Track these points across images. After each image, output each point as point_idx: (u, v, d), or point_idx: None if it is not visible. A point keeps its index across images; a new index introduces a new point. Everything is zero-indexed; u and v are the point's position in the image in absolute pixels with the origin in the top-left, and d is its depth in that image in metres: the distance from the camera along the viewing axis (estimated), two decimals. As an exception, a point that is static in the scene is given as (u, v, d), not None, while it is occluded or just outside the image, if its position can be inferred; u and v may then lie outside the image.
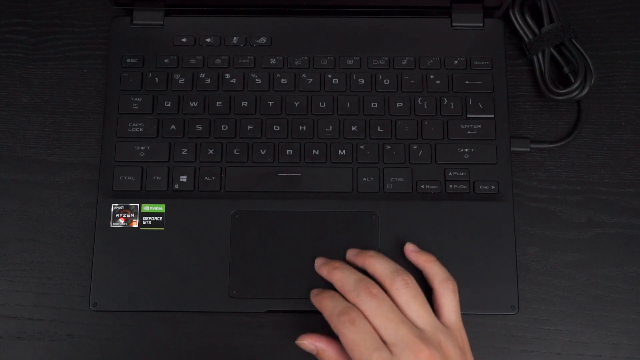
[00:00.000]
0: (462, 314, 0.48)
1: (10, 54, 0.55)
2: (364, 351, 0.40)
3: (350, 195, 0.50)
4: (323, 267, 0.46)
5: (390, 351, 0.40)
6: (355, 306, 0.42)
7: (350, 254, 0.47)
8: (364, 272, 0.45)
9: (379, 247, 0.48)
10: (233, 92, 0.52)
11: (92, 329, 0.50)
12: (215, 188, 0.50)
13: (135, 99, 0.52)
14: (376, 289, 0.42)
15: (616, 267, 0.51)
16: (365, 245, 0.48)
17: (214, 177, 0.50)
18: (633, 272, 0.51)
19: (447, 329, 0.43)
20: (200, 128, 0.51)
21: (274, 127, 0.51)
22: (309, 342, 0.44)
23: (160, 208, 0.49)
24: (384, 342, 0.41)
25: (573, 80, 0.52)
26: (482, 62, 0.52)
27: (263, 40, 0.53)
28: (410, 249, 0.47)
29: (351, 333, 0.41)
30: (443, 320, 0.44)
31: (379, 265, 0.44)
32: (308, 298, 0.47)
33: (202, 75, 0.52)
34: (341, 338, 0.41)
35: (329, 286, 0.45)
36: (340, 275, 0.44)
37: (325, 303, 0.43)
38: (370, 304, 0.42)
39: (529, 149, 0.52)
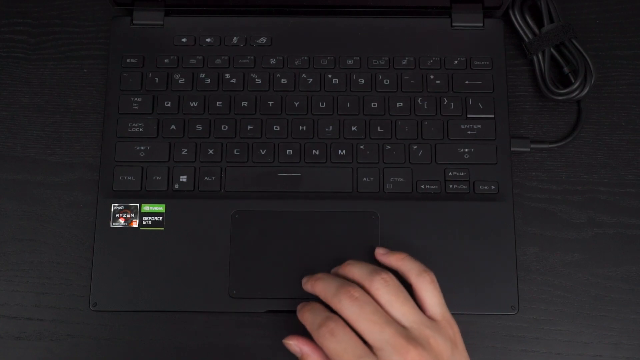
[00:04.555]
0: (462, 314, 0.48)
1: (10, 54, 0.55)
2: None
3: (350, 195, 0.50)
4: (307, 283, 0.45)
5: (377, 356, 0.39)
6: (339, 314, 0.41)
7: (333, 270, 0.46)
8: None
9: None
10: (233, 92, 0.52)
11: (92, 329, 0.50)
12: (215, 188, 0.50)
13: (135, 99, 0.52)
14: (358, 292, 0.41)
15: (616, 267, 0.51)
16: (365, 246, 0.48)
17: (214, 177, 0.50)
18: (633, 272, 0.51)
19: (435, 323, 0.42)
20: (200, 128, 0.51)
21: (274, 127, 0.51)
22: (295, 344, 0.43)
23: (160, 208, 0.49)
24: (370, 346, 0.39)
25: (573, 80, 0.52)
26: (482, 62, 0.52)
27: (263, 40, 0.53)
28: (381, 253, 0.46)
29: (332, 344, 0.40)
30: (429, 314, 0.42)
31: (356, 269, 0.43)
32: (308, 298, 0.47)
33: (202, 75, 0.52)
34: (325, 350, 0.40)
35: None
36: (322, 285, 0.43)
37: (305, 316, 0.42)
38: (353, 308, 0.40)
39: (529, 149, 0.52)
